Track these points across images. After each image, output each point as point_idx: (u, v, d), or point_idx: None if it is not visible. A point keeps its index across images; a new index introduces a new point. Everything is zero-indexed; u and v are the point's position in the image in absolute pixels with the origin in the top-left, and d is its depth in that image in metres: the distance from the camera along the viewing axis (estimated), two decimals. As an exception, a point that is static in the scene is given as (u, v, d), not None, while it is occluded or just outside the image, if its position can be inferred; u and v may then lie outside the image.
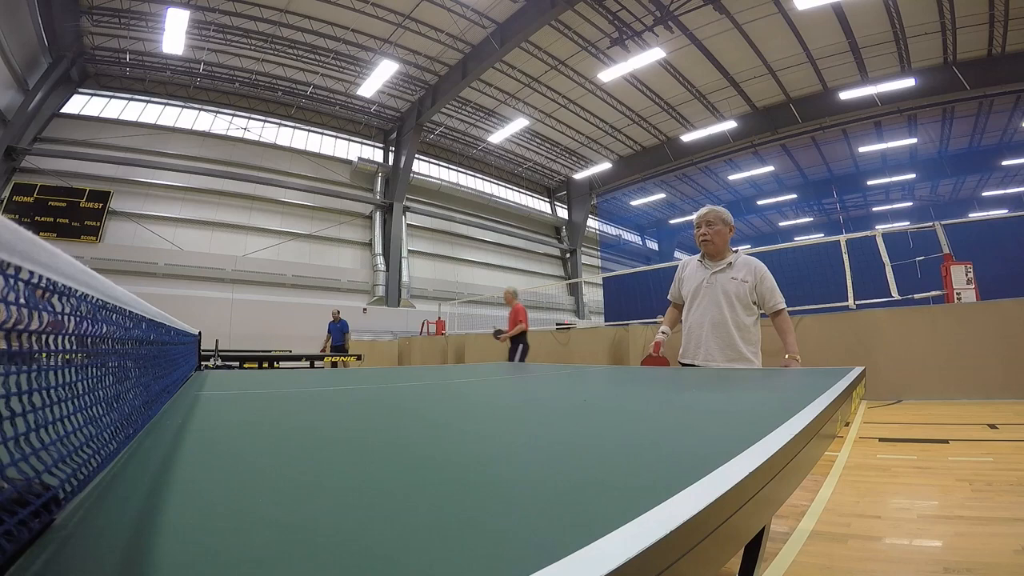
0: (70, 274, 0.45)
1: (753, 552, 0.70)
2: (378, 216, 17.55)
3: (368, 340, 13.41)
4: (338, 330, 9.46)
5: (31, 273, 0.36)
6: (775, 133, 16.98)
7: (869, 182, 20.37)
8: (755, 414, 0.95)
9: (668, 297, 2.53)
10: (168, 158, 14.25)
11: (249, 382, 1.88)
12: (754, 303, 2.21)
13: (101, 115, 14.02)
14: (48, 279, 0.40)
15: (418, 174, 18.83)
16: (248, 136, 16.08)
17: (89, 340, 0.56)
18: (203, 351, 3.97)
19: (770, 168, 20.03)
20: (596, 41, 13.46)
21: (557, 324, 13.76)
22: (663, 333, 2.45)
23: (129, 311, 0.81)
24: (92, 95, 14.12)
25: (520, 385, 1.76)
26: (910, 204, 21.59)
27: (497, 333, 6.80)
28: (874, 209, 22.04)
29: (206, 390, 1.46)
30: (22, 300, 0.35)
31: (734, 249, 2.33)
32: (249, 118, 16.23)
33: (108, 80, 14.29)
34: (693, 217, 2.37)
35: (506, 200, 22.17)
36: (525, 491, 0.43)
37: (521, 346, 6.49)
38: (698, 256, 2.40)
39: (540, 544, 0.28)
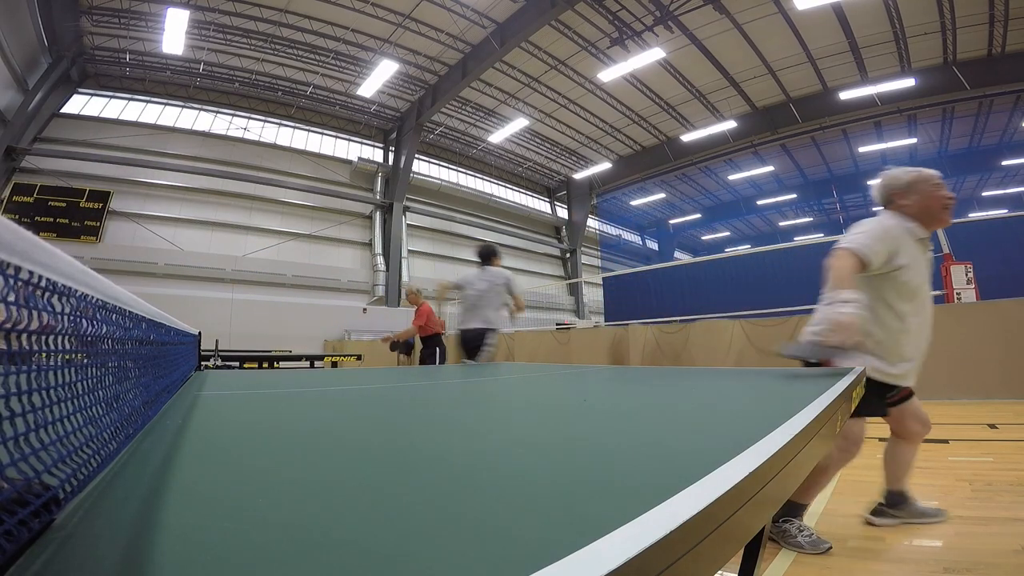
0: (70, 274, 0.45)
1: (753, 552, 0.70)
2: (378, 216, 17.55)
3: (368, 340, 13.42)
4: None
5: (31, 273, 0.36)
6: (775, 133, 16.98)
7: (869, 182, 20.33)
8: (755, 414, 0.95)
9: (866, 258, 1.61)
10: (168, 158, 14.24)
11: (249, 382, 1.88)
12: None
13: (101, 115, 14.01)
14: (48, 279, 0.40)
15: (418, 174, 18.82)
16: (248, 136, 16.06)
17: (89, 340, 0.56)
18: (203, 351, 3.97)
19: (770, 168, 20.02)
20: (596, 41, 13.46)
21: (557, 324, 13.79)
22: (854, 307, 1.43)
23: (129, 311, 0.81)
24: (92, 95, 14.11)
25: (519, 385, 1.76)
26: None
27: (394, 345, 5.92)
28: (874, 209, 22.03)
29: (206, 390, 1.46)
30: (22, 300, 0.35)
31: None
32: (249, 118, 16.22)
33: (108, 80, 14.28)
34: (940, 179, 1.87)
35: (506, 200, 22.16)
36: (525, 491, 0.43)
37: (438, 349, 5.82)
38: (912, 227, 1.75)
39: (540, 544, 0.28)
